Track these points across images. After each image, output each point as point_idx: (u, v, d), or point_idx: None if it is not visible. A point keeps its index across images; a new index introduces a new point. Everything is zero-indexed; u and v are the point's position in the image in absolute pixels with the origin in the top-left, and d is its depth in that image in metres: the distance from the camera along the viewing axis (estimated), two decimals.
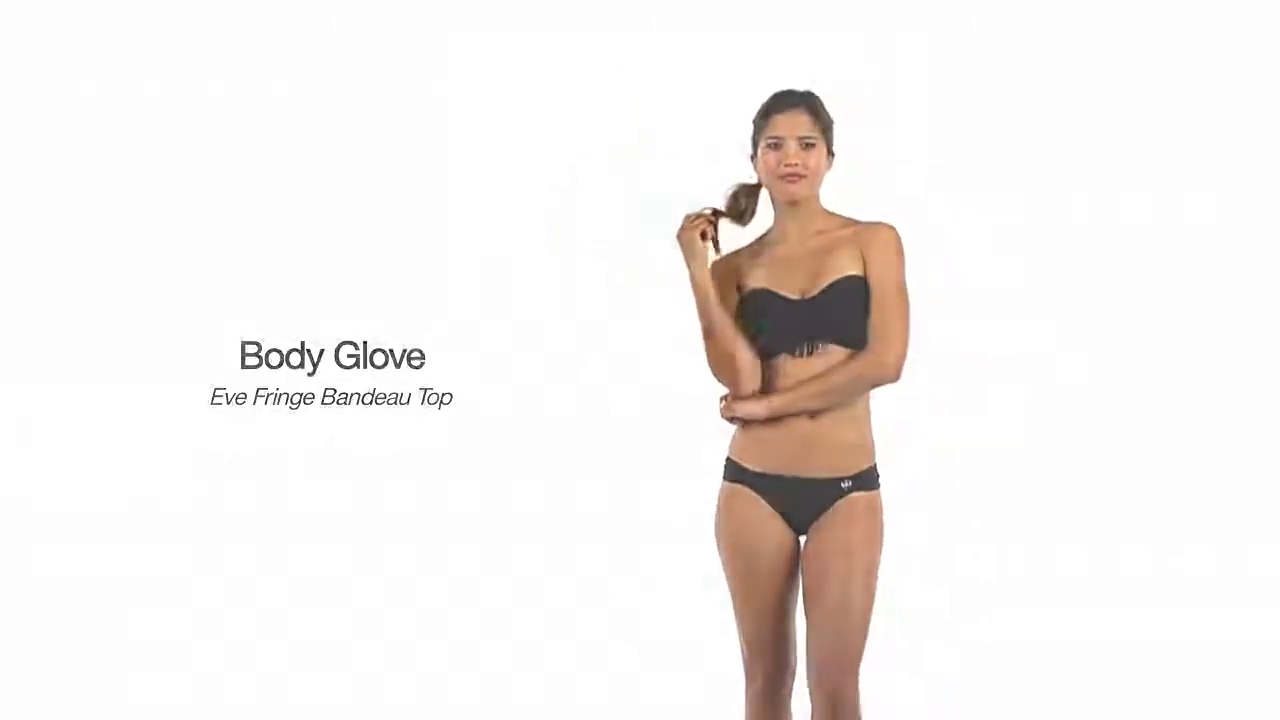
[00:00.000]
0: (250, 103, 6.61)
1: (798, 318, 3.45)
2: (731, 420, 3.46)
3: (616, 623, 4.91)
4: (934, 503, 6.34)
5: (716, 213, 3.49)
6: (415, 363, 6.65)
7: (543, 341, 6.62)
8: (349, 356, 6.63)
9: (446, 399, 6.61)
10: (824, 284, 3.47)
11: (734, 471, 3.49)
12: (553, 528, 6.19)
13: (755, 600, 3.47)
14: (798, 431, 3.44)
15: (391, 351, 6.67)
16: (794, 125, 3.50)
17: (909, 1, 6.61)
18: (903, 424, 6.51)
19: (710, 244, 3.47)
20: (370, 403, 6.60)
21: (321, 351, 6.63)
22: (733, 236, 3.59)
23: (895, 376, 3.61)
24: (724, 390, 3.46)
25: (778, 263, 3.51)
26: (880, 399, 6.51)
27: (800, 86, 3.56)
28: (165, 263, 6.60)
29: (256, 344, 6.61)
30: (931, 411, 6.55)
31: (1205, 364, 6.53)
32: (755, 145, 3.55)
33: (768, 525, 3.45)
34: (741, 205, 3.55)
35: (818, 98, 3.57)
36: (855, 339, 3.49)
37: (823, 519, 3.44)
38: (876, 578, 3.43)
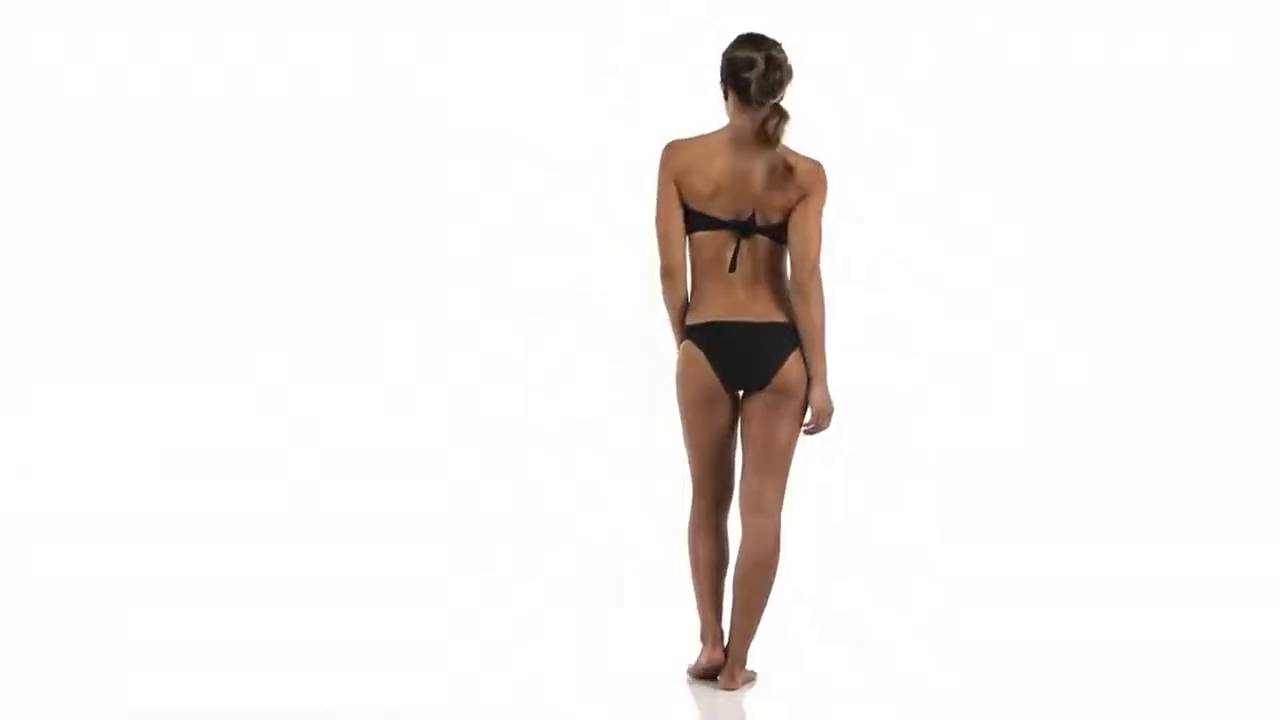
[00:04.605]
0: (249, 104, 6.62)
1: None
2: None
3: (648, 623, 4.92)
4: (933, 502, 6.35)
5: None
6: (416, 363, 6.65)
7: (544, 341, 6.62)
8: (350, 356, 6.63)
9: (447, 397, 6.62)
10: None
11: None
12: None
13: None
14: None
15: (392, 352, 6.67)
16: None
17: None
18: (903, 424, 6.56)
19: None
20: (369, 402, 6.60)
21: (321, 352, 6.63)
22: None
23: None
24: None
25: None
26: (880, 398, 6.51)
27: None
28: (165, 264, 6.60)
29: (257, 345, 6.62)
30: (932, 411, 6.56)
31: (1205, 364, 6.54)
32: None
33: None
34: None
35: None
36: None
37: None
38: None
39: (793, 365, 4.09)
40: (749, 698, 4.16)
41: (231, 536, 6.04)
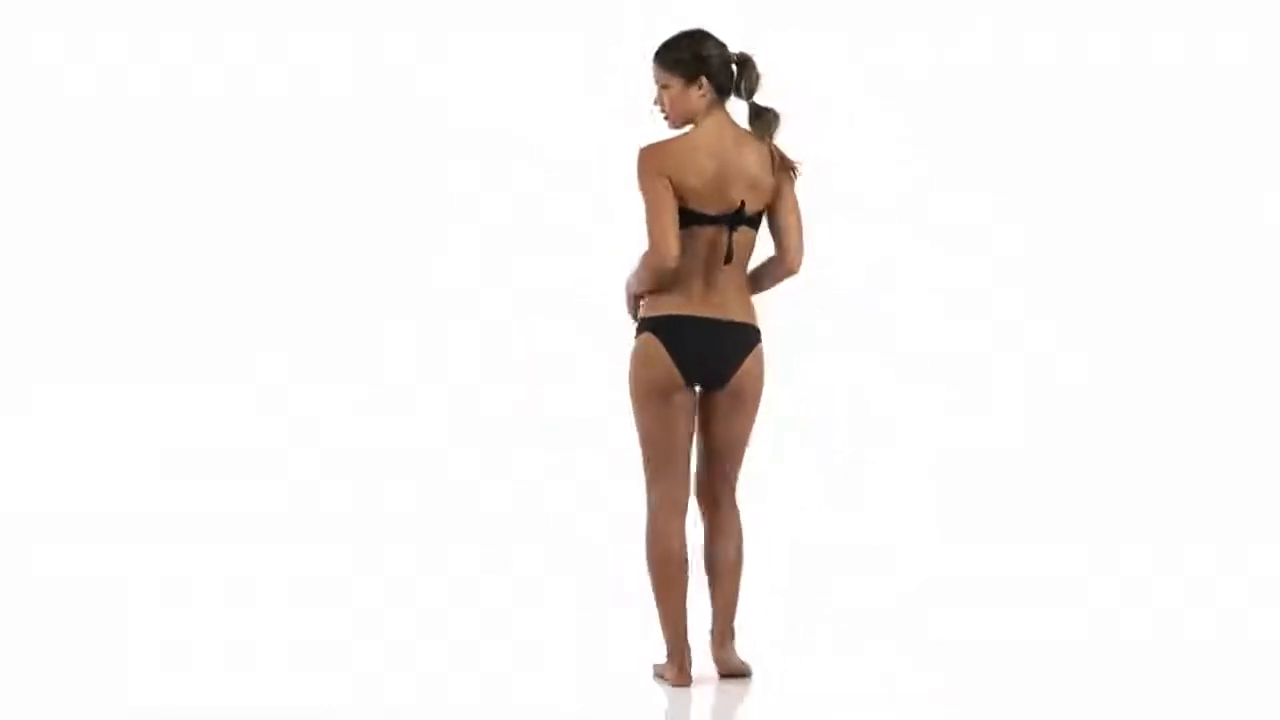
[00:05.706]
0: (249, 104, 6.62)
1: None
2: None
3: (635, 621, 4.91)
4: (933, 502, 6.35)
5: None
6: (416, 363, 6.65)
7: (544, 341, 6.62)
8: (350, 356, 6.63)
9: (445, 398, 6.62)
10: None
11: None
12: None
13: None
14: None
15: (391, 351, 6.67)
16: (655, 78, 4.19)
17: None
18: (904, 424, 6.56)
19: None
20: (368, 402, 6.60)
21: (321, 352, 6.63)
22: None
23: None
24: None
25: None
26: (880, 398, 6.51)
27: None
28: (165, 264, 6.60)
29: (257, 345, 6.62)
30: (932, 411, 6.56)
31: (1206, 364, 6.53)
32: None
33: None
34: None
35: (661, 50, 4.19)
36: None
37: None
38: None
39: (751, 365, 4.15)
40: (746, 698, 4.16)
41: (231, 536, 6.04)
